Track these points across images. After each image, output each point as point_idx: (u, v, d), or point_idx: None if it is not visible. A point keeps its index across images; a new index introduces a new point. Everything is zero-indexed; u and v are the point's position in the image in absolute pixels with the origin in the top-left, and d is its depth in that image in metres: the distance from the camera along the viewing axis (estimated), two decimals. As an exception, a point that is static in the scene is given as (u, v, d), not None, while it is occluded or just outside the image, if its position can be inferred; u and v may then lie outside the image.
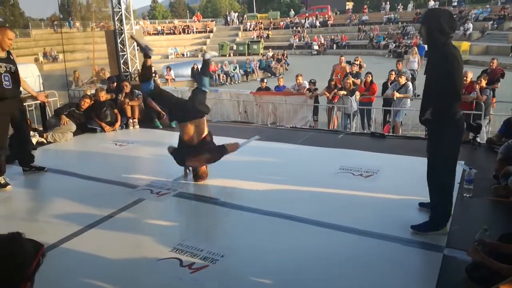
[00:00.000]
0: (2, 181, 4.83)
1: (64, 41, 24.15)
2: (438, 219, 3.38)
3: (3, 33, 4.64)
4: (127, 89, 7.80)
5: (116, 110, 7.57)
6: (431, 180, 3.33)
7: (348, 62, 10.45)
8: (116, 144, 6.64)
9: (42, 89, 13.92)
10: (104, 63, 11.79)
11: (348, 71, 10.62)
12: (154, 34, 36.69)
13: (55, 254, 3.27)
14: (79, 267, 3.16)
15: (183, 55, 32.46)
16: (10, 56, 4.81)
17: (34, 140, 6.40)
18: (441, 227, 3.37)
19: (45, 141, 6.65)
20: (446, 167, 3.25)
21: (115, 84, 8.16)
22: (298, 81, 9.46)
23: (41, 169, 5.36)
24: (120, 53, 8.91)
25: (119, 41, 8.84)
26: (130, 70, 9.00)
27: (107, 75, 9.55)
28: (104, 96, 7.40)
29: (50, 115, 7.84)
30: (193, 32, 37.63)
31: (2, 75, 4.63)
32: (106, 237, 3.61)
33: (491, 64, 9.64)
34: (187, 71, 21.25)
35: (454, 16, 22.76)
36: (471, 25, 27.35)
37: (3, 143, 4.84)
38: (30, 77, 13.79)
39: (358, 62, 11.58)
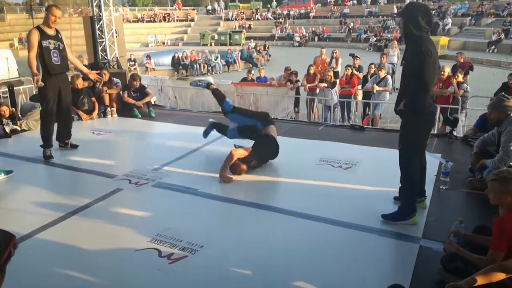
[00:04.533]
0: (48, 153, 5.19)
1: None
2: (405, 209, 3.47)
3: (49, 10, 4.97)
4: (106, 77, 7.64)
5: (93, 98, 7.40)
6: (402, 169, 3.45)
7: (352, 55, 10.46)
8: (93, 132, 6.51)
9: (17, 75, 13.55)
10: (81, 50, 11.50)
11: (328, 64, 10.66)
12: (134, 21, 36.00)
13: (29, 245, 3.20)
14: (54, 258, 3.09)
15: (163, 43, 31.99)
16: (59, 34, 5.13)
17: (7, 129, 6.23)
18: (409, 216, 3.44)
19: (18, 128, 6.46)
20: (414, 155, 3.38)
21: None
22: (287, 73, 9.38)
23: (75, 147, 5.62)
24: (98, 40, 8.69)
25: (97, 27, 8.61)
26: (109, 58, 8.79)
27: (85, 62, 9.30)
28: (81, 83, 7.21)
29: (24, 102, 7.65)
30: (174, 21, 37.08)
31: (51, 51, 4.97)
32: (83, 227, 3.55)
33: (458, 57, 9.84)
34: (168, 60, 20.98)
35: (433, 11, 22.86)
36: (450, 20, 27.79)
37: (52, 116, 5.21)
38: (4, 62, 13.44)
39: (335, 55, 11.59)
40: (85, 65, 8.28)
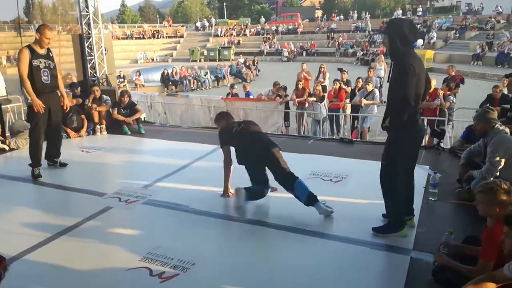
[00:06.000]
0: (36, 172, 5.15)
1: (29, 44, 23.35)
2: (394, 223, 3.48)
3: (42, 32, 4.92)
4: (98, 93, 7.65)
5: (83, 116, 7.38)
6: (384, 183, 3.45)
7: (340, 70, 10.63)
8: (82, 150, 6.47)
9: (5, 93, 13.43)
10: (70, 68, 11.48)
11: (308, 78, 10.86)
12: (123, 38, 36.12)
13: (18, 266, 3.14)
14: (43, 279, 3.04)
15: (152, 60, 32.10)
16: (50, 53, 5.12)
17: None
18: (399, 229, 3.45)
19: (7, 148, 6.40)
20: (397, 172, 3.36)
21: (79, 89, 7.98)
22: (276, 88, 9.48)
23: (64, 165, 5.59)
24: (88, 58, 8.70)
25: (86, 45, 8.63)
26: (98, 75, 8.79)
27: (74, 79, 9.28)
28: (70, 101, 7.20)
29: (12, 121, 7.59)
30: (163, 37, 37.31)
31: (42, 70, 4.97)
32: (73, 247, 3.50)
33: (449, 70, 10.03)
34: (157, 76, 21.03)
35: (418, 25, 23.28)
36: (435, 34, 28.37)
37: (41, 135, 5.19)
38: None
39: (323, 70, 11.74)
40: (74, 83, 8.29)
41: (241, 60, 25.12)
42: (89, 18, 8.53)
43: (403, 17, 34.44)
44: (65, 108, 5.59)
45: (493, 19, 28.54)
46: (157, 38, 37.07)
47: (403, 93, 3.13)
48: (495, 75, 18.70)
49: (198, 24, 41.57)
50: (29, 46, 4.99)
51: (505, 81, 7.53)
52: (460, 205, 4.12)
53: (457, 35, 28.42)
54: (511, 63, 20.75)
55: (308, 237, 3.58)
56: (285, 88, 9.33)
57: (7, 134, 6.90)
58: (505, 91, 7.37)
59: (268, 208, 4.29)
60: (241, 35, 37.21)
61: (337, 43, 30.96)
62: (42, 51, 5.02)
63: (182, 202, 4.34)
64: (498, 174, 3.82)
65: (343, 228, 3.68)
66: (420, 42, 27.04)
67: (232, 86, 10.89)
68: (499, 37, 24.63)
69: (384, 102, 10.18)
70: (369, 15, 39.89)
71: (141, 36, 36.94)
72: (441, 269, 2.69)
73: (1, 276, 1.46)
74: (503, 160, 3.85)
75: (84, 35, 8.61)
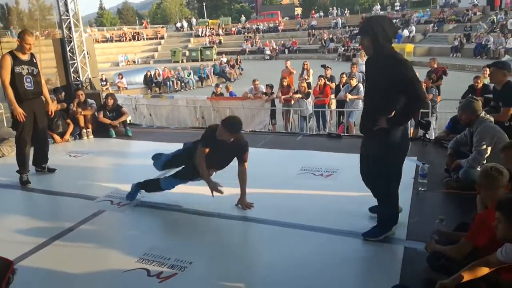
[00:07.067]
0: (25, 178, 5.10)
1: (7, 51, 22.88)
2: (387, 223, 3.39)
3: (22, 38, 4.85)
4: (82, 97, 7.56)
5: (68, 120, 7.30)
6: (379, 189, 3.33)
7: (323, 66, 10.69)
8: (70, 155, 6.39)
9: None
10: (50, 73, 11.32)
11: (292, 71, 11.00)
12: (103, 41, 35.64)
13: (13, 273, 3.11)
14: (40, 286, 3.01)
15: (134, 62, 31.78)
16: (33, 59, 5.05)
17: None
18: (389, 230, 3.39)
19: (-8, 155, 6.29)
20: (395, 171, 3.25)
21: (63, 94, 7.88)
22: (255, 85, 9.56)
23: (53, 171, 5.53)
24: (70, 62, 8.58)
25: (68, 49, 8.51)
26: (81, 79, 8.69)
27: (57, 85, 9.15)
28: (54, 106, 7.10)
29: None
30: (144, 39, 36.96)
31: (24, 77, 4.89)
32: (67, 252, 3.47)
33: (431, 63, 10.21)
34: (140, 78, 20.85)
35: (397, 20, 23.43)
36: (414, 28, 28.75)
37: (27, 141, 5.10)
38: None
39: (306, 67, 11.81)
40: (57, 88, 8.17)
41: (224, 59, 25.08)
42: (69, 22, 8.42)
43: (380, 13, 34.89)
44: (49, 113, 5.51)
45: (469, 11, 29.07)
46: (137, 40, 36.69)
47: (415, 84, 2.99)
48: (474, 66, 19.03)
49: (178, 24, 41.29)
50: (11, 53, 4.90)
51: (486, 72, 7.69)
52: (449, 194, 4.21)
53: (436, 28, 28.85)
54: (489, 54, 21.16)
55: (302, 231, 3.62)
56: (271, 86, 9.38)
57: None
58: (486, 81, 7.53)
59: (261, 205, 4.31)
60: (221, 34, 37.06)
61: (322, 39, 31.10)
62: (25, 57, 4.94)
63: (175, 203, 4.33)
64: (485, 162, 3.92)
65: (337, 221, 3.72)
66: (405, 33, 27.41)
67: (217, 86, 10.92)
68: (477, 29, 25.10)
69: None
70: (348, 11, 40.25)
71: (121, 38, 36.53)
72: (435, 256, 2.75)
73: (10, 281, 1.45)
74: (489, 148, 3.95)
75: (65, 39, 8.50)
